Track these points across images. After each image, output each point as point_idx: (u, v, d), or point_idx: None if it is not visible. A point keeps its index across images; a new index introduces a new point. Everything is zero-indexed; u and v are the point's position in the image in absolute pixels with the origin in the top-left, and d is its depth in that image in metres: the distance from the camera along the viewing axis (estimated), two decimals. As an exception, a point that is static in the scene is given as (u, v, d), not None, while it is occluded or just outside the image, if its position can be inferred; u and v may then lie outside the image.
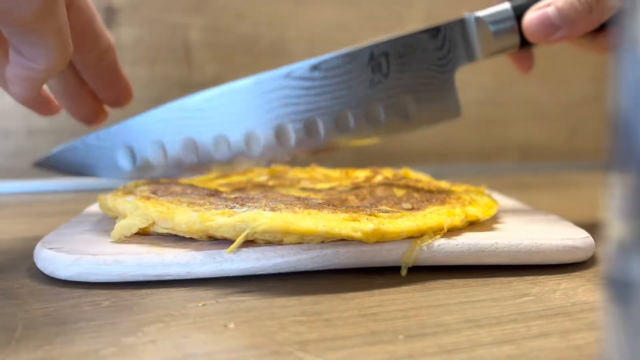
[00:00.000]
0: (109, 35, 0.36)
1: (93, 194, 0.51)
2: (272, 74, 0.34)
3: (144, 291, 0.25)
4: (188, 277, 0.26)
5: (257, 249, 0.26)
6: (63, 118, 0.61)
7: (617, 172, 0.12)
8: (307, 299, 0.24)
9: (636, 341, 0.11)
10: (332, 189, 0.38)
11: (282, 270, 0.26)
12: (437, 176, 0.46)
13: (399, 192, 0.35)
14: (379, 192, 0.35)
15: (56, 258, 0.26)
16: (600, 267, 0.29)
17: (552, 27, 0.32)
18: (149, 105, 0.57)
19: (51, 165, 0.37)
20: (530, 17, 0.33)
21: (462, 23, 0.35)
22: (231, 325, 0.21)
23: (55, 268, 0.25)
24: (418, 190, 0.36)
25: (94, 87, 0.37)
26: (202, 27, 0.64)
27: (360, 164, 0.48)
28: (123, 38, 0.62)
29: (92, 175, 0.37)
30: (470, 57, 0.35)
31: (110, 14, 0.61)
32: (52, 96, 0.36)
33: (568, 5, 0.32)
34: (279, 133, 0.35)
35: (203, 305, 0.23)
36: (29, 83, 0.29)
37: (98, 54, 0.35)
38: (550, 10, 0.32)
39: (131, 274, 0.25)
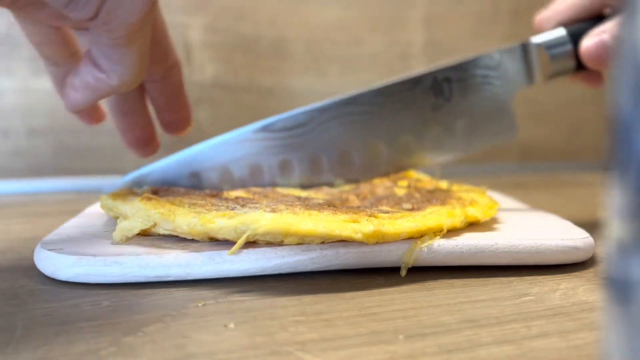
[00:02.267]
0: (177, 54, 0.36)
1: (93, 194, 0.51)
2: (335, 101, 0.35)
3: (144, 291, 0.25)
4: (188, 278, 0.26)
5: (257, 250, 0.26)
6: (63, 118, 0.61)
7: (616, 172, 0.12)
8: (307, 299, 0.24)
9: (636, 341, 0.11)
10: (333, 188, 0.38)
11: (282, 271, 0.26)
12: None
13: (400, 192, 0.35)
14: (380, 191, 0.35)
15: (56, 259, 0.26)
16: (600, 267, 0.29)
17: (609, 52, 0.33)
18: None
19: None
20: (588, 44, 0.34)
21: (521, 48, 0.36)
22: (231, 325, 0.21)
23: (56, 269, 0.25)
24: (419, 190, 0.36)
25: (156, 104, 0.36)
26: (202, 27, 0.64)
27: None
28: (123, 38, 0.62)
29: None
30: (529, 80, 0.37)
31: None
32: (100, 105, 0.35)
33: None
34: (344, 158, 0.36)
35: (203, 305, 0.23)
36: (93, 94, 0.28)
37: (165, 69, 0.35)
38: (607, 37, 0.33)
39: (131, 275, 0.25)
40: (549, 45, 0.36)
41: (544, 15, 0.38)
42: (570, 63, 0.36)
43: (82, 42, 0.29)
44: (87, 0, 0.24)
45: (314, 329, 0.21)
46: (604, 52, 0.33)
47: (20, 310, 0.23)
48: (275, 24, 0.67)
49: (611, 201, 0.12)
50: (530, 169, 0.78)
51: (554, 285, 0.26)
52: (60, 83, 0.32)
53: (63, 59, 0.31)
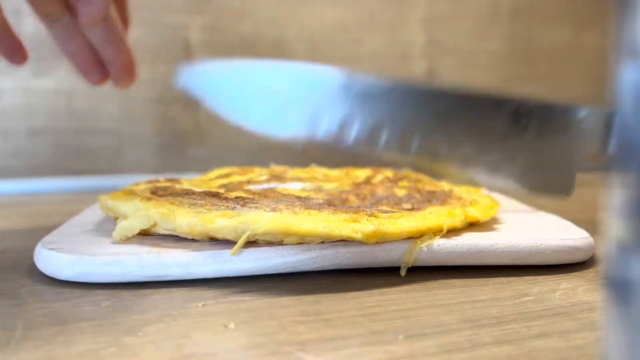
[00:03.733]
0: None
1: (93, 194, 0.51)
2: (429, 86, 0.34)
3: (144, 291, 0.25)
4: (188, 278, 0.26)
5: (257, 249, 0.26)
6: (63, 118, 0.61)
7: (617, 172, 0.12)
8: (307, 299, 0.24)
9: (636, 341, 0.11)
10: (332, 188, 0.38)
11: (282, 271, 0.26)
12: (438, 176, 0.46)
13: (400, 192, 0.35)
14: (380, 192, 0.35)
15: (56, 258, 0.26)
16: (600, 267, 0.29)
17: None
18: (150, 105, 0.57)
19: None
20: None
21: (609, 114, 0.35)
22: (231, 325, 0.21)
23: (56, 268, 0.25)
24: (419, 190, 0.36)
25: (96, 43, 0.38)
26: (202, 27, 0.64)
27: (361, 163, 0.48)
28: (123, 38, 0.62)
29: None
30: (604, 149, 0.35)
31: (110, 14, 0.61)
32: (22, 43, 0.38)
33: None
34: (404, 140, 0.34)
35: (203, 305, 0.23)
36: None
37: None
38: None
39: (131, 274, 0.25)
40: None
41: None
42: None
43: None
44: None
45: (314, 329, 0.21)
46: None
47: (20, 310, 0.23)
48: (275, 24, 0.67)
49: (611, 201, 0.12)
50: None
51: (554, 285, 0.26)
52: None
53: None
